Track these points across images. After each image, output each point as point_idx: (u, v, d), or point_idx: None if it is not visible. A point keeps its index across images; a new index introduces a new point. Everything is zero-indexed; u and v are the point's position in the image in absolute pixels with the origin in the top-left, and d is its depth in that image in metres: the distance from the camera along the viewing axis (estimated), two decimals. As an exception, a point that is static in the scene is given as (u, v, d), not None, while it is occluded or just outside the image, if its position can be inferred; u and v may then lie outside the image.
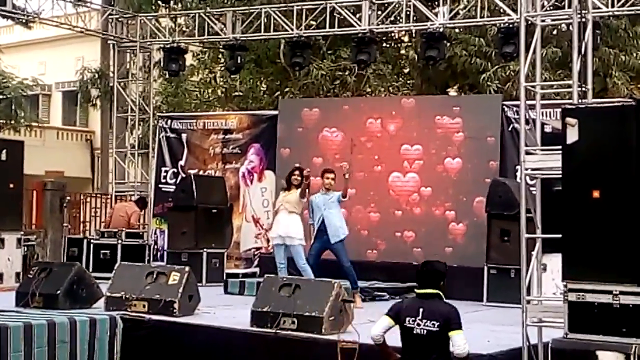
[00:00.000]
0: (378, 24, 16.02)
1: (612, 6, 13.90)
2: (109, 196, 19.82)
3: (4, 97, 24.90)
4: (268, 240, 16.72)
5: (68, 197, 17.15)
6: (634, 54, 18.25)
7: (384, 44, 21.73)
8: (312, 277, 11.70)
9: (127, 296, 10.55)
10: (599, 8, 13.15)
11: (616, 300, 7.19)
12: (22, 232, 14.48)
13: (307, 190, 12.50)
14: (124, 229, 16.41)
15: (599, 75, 16.92)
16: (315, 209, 12.53)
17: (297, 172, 12.55)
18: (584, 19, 9.64)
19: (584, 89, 9.72)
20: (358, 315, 9.86)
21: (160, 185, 18.14)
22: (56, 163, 27.92)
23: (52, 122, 33.09)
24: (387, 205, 15.57)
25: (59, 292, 10.67)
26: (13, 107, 25.19)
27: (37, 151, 23.52)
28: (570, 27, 9.95)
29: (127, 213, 16.89)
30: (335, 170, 12.78)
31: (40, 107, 33.58)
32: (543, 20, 10.47)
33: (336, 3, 16.20)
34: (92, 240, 16.35)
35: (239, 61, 17.35)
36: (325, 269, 12.14)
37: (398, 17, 16.17)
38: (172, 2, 18.42)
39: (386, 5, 16.28)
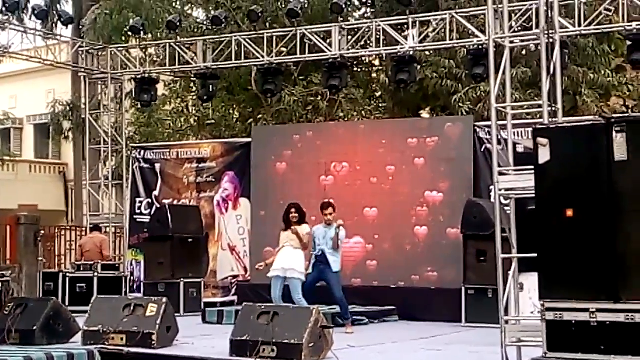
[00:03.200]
0: (348, 49, 16.10)
1: (579, 26, 14.07)
2: (84, 229, 19.70)
3: (-24, 132, 24.80)
4: (245, 269, 16.75)
5: (42, 231, 16.95)
6: (603, 72, 18.42)
7: (355, 69, 21.82)
8: None
9: (105, 329, 10.48)
10: (565, 28, 13.33)
11: (593, 318, 7.23)
12: (-4, 268, 14.35)
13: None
14: (99, 261, 16.31)
15: (568, 93, 17.06)
16: (316, 240, 12.66)
17: (293, 210, 12.55)
18: (551, 40, 9.74)
19: (554, 108, 9.81)
20: (338, 341, 9.85)
21: (135, 216, 18.07)
22: (29, 196, 27.71)
23: (24, 156, 32.87)
24: (366, 229, 15.56)
25: (35, 327, 10.58)
26: (-15, 141, 25.09)
27: (10, 185, 23.42)
28: (539, 47, 10.06)
29: (95, 245, 16.77)
30: (333, 204, 12.83)
31: (12, 141, 33.38)
32: (512, 42, 10.59)
33: (306, 29, 16.27)
34: (67, 274, 16.24)
35: (210, 90, 17.38)
36: (317, 295, 12.29)
37: (368, 42, 16.25)
38: (142, 33, 18.38)
39: (356, 30, 16.36)
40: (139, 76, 17.76)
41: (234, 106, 22.66)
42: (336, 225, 12.55)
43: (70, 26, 19.84)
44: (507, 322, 8.82)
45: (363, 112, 21.16)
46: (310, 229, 12.56)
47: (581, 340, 7.26)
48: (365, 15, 22.38)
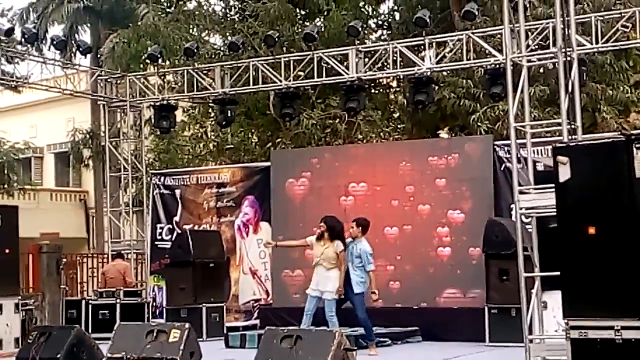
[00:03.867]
0: (366, 71, 16.12)
1: (596, 43, 14.05)
2: (105, 255, 19.76)
3: (-4, 162, 24.97)
4: (267, 292, 16.75)
5: (64, 259, 17.12)
6: (621, 88, 18.40)
7: (373, 90, 21.89)
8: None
9: (128, 356, 10.46)
10: (583, 45, 13.30)
11: (618, 336, 7.19)
12: (19, 297, 14.41)
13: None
14: (121, 287, 16.35)
15: (587, 110, 17.03)
16: (347, 256, 12.59)
17: (322, 223, 12.50)
18: (569, 57, 9.75)
19: (573, 125, 9.82)
20: (361, 364, 9.83)
21: (156, 242, 18.11)
22: (51, 225, 27.88)
23: (45, 184, 33.12)
24: (387, 251, 15.53)
25: (59, 355, 10.58)
26: (5, 171, 25.23)
27: (32, 214, 23.51)
28: (556, 65, 10.06)
29: (119, 272, 16.82)
30: (359, 220, 12.77)
31: (32, 170, 33.64)
32: (529, 61, 10.60)
33: (323, 53, 16.32)
34: (90, 301, 16.28)
35: (229, 115, 17.42)
36: (342, 316, 12.34)
37: (385, 64, 16.29)
38: (159, 60, 18.51)
39: (373, 52, 16.40)
40: (157, 103, 17.84)
41: (253, 131, 22.74)
42: (362, 245, 12.49)
43: (88, 55, 19.99)
44: (531, 341, 8.79)
45: (381, 133, 21.18)
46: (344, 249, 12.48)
47: (606, 358, 7.23)
48: (382, 38, 22.47)
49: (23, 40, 17.11)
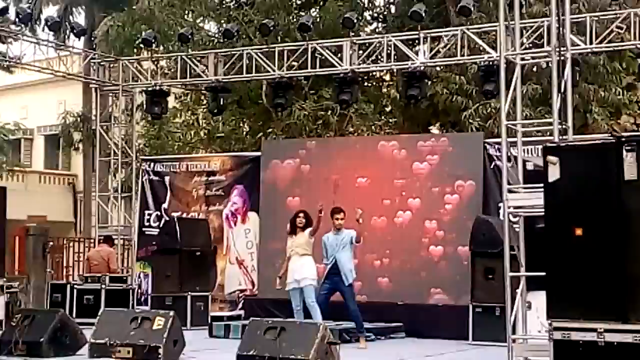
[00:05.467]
0: (359, 64, 16.08)
1: (590, 43, 14.04)
2: (92, 240, 19.71)
3: (-14, 142, 24.87)
4: (253, 283, 16.72)
5: (51, 242, 17.01)
6: (613, 90, 18.38)
7: (366, 84, 21.84)
8: (320, 316, 12.00)
9: (112, 342, 10.45)
10: (577, 45, 13.29)
11: (601, 338, 7.19)
12: (4, 279, 14.34)
13: (318, 227, 12.63)
14: (107, 274, 16.30)
15: (579, 111, 17.02)
16: (329, 249, 12.71)
17: (301, 215, 12.74)
18: (562, 57, 9.73)
19: (564, 126, 9.81)
20: (347, 357, 9.81)
21: (143, 229, 18.05)
22: (39, 207, 27.77)
23: (34, 167, 32.98)
24: (374, 245, 15.52)
25: (42, 339, 10.57)
26: (-5, 151, 25.15)
27: (20, 196, 23.40)
28: (550, 64, 10.05)
29: (102, 258, 16.75)
30: (344, 210, 12.87)
31: (22, 152, 33.51)
32: (523, 59, 10.59)
33: (317, 44, 16.27)
34: (75, 286, 16.21)
35: (221, 103, 17.37)
36: (332, 311, 12.46)
37: (379, 57, 16.25)
38: (153, 45, 18.41)
39: (367, 45, 16.36)
40: (150, 88, 17.78)
41: (244, 120, 22.68)
42: (352, 234, 12.56)
43: (82, 38, 19.90)
44: (514, 340, 8.79)
45: (373, 127, 21.15)
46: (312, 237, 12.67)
47: (589, 360, 7.22)
48: (377, 31, 22.41)
49: (17, 20, 17.01)
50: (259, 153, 17.48)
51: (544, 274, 7.73)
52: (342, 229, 12.69)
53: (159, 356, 10.23)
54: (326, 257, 12.75)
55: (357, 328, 12.79)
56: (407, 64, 15.65)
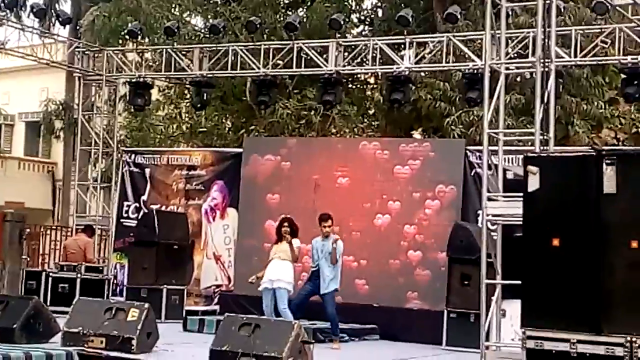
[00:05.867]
0: (344, 66, 16.11)
1: (575, 56, 14.13)
2: (70, 229, 19.63)
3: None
4: (229, 278, 16.72)
5: (28, 229, 16.91)
6: (595, 103, 18.49)
7: (350, 85, 21.89)
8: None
9: (85, 332, 10.43)
10: (561, 57, 13.38)
11: (573, 349, 7.25)
12: (-21, 264, 14.28)
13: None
14: (83, 263, 16.25)
15: (560, 123, 17.12)
16: (314, 253, 12.83)
17: (286, 224, 12.68)
18: (547, 68, 9.80)
19: (546, 136, 9.88)
20: (320, 356, 9.84)
21: (121, 220, 18.02)
22: (17, 194, 27.62)
23: (14, 153, 32.81)
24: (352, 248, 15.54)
25: (15, 326, 10.52)
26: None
27: (-2, 181, 23.36)
28: (534, 75, 10.13)
29: (79, 247, 16.71)
30: (331, 216, 12.96)
31: (2, 137, 33.32)
32: (507, 68, 10.66)
33: (303, 43, 16.29)
34: (50, 274, 16.17)
35: (204, 98, 17.36)
36: (308, 310, 12.60)
37: (364, 59, 16.29)
38: (139, 37, 18.38)
39: (353, 47, 16.40)
40: (133, 80, 17.74)
41: (227, 115, 22.68)
42: (333, 239, 12.61)
43: (67, 26, 19.83)
44: (487, 347, 8.85)
45: (355, 129, 21.20)
46: (301, 243, 12.70)
47: (560, 370, 7.28)
48: (363, 33, 22.48)
49: (2, 5, 16.91)
50: (240, 149, 17.49)
51: (519, 282, 7.79)
52: (329, 236, 12.73)
53: (132, 348, 10.22)
54: (313, 261, 12.85)
55: (332, 330, 12.85)
56: (392, 68, 15.71)
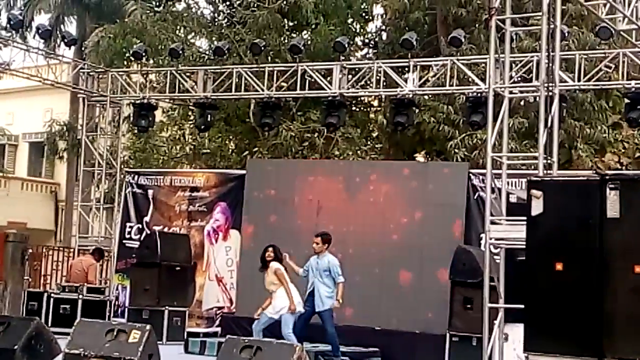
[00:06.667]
0: (348, 88, 16.15)
1: (579, 80, 14.17)
2: (72, 250, 19.62)
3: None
4: (231, 300, 16.68)
5: (30, 250, 16.96)
6: (599, 127, 18.51)
7: (354, 108, 21.92)
8: None
9: (86, 353, 10.37)
10: (565, 82, 13.40)
11: (576, 374, 7.21)
12: (-19, 284, 14.25)
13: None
14: (84, 284, 16.23)
15: (564, 147, 17.13)
16: (309, 271, 12.86)
17: (270, 249, 12.67)
18: (550, 93, 9.81)
19: (549, 160, 9.87)
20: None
21: (124, 241, 18.00)
22: (19, 214, 27.65)
23: (17, 173, 32.84)
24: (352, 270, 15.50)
25: (16, 347, 10.46)
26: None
27: (1, 201, 23.34)
28: (537, 99, 10.13)
29: (83, 268, 16.70)
30: (324, 234, 13.05)
31: (6, 157, 33.37)
32: (511, 92, 10.67)
33: (307, 66, 16.33)
34: (52, 295, 16.13)
35: (208, 119, 17.39)
36: (310, 333, 12.56)
37: (368, 82, 16.33)
38: (144, 59, 18.44)
39: (357, 69, 16.43)
40: (138, 101, 17.79)
41: (231, 137, 22.70)
42: (327, 258, 12.65)
43: (72, 47, 19.89)
44: (490, 372, 8.79)
45: (359, 151, 21.21)
46: (282, 268, 12.60)
47: (563, 395, 7.24)
48: (367, 56, 22.54)
49: (8, 26, 17.00)
50: (243, 171, 17.48)
51: (522, 306, 7.75)
52: (323, 254, 12.74)
53: (134, 370, 10.17)
54: (309, 278, 12.88)
55: (333, 351, 12.83)
56: (395, 91, 15.74)
